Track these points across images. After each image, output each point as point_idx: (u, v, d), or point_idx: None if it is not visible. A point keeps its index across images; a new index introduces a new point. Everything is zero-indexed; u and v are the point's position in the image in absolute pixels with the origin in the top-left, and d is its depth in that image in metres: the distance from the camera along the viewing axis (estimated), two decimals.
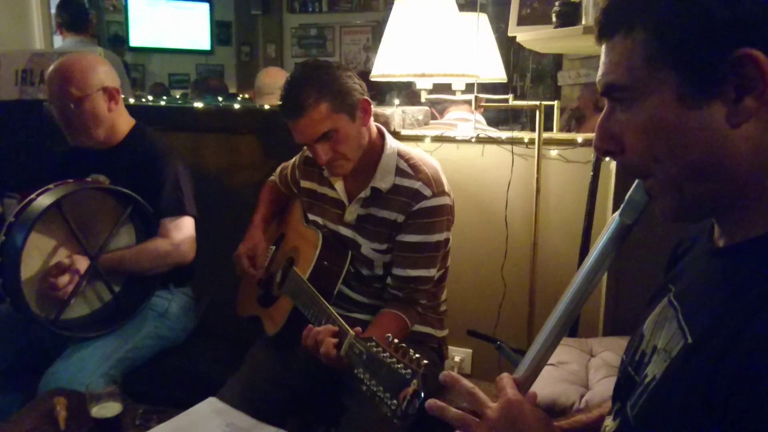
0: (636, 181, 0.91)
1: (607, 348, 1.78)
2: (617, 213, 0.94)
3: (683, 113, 0.72)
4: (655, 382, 0.79)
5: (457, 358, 2.47)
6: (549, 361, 1.77)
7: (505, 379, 0.96)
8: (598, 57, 0.81)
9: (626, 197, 0.93)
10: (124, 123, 2.14)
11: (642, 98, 0.75)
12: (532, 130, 2.28)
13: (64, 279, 1.85)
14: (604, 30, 0.78)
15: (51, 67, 2.05)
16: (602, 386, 1.61)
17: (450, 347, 2.15)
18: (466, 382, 0.96)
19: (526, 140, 2.28)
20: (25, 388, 1.94)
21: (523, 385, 0.97)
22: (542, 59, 6.11)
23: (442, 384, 0.98)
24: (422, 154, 1.86)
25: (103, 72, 2.05)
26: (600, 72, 0.80)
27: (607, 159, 1.86)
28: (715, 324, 0.72)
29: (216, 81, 4.38)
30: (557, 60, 5.90)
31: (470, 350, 2.47)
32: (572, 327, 2.13)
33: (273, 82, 2.95)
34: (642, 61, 0.74)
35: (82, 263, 1.89)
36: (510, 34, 2.30)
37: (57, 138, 2.34)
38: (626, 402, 0.87)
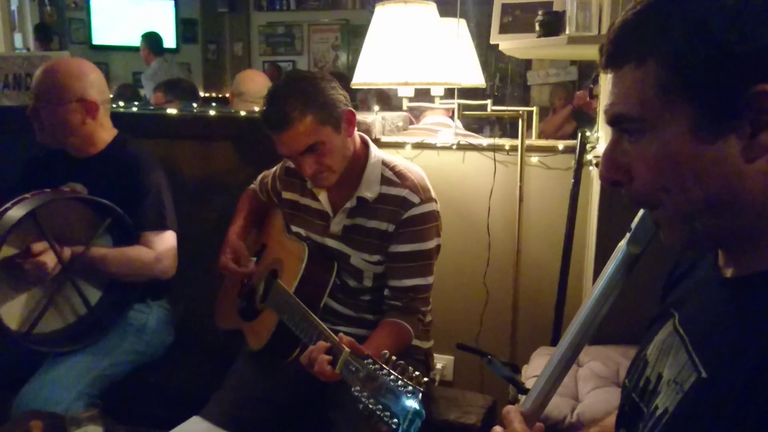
0: (641, 211, 0.90)
1: (593, 357, 1.78)
2: (624, 242, 0.93)
3: (697, 147, 0.71)
4: (668, 416, 0.78)
5: (439, 365, 2.46)
6: (534, 373, 1.78)
7: (512, 412, 0.94)
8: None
9: (632, 226, 0.91)
10: (106, 133, 2.09)
11: (653, 130, 0.73)
12: (504, 133, 2.29)
13: (29, 265, 1.77)
14: (613, 59, 0.76)
15: (44, 65, 2.05)
16: (592, 398, 1.61)
17: None
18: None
19: (507, 147, 2.27)
20: None
21: (530, 417, 0.95)
22: (510, 58, 6.14)
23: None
24: (407, 162, 1.85)
25: (88, 83, 2.00)
26: (608, 102, 0.78)
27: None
28: (732, 359, 0.71)
29: (188, 82, 4.27)
30: (526, 60, 5.93)
31: (452, 357, 2.47)
32: (555, 336, 2.14)
33: (258, 90, 2.89)
34: (654, 93, 0.72)
35: (51, 257, 1.81)
36: (492, 41, 2.29)
37: (22, 145, 2.27)
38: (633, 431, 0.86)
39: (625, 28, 0.75)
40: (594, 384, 1.67)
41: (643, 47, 0.73)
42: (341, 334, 1.46)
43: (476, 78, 2.71)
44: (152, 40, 5.69)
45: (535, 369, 1.83)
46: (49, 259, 1.80)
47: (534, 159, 2.28)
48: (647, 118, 0.73)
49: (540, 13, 2.00)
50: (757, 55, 0.67)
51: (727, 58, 0.68)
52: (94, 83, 2.02)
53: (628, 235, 0.92)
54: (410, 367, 1.24)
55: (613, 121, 0.78)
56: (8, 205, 1.80)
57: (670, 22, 0.71)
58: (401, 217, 1.72)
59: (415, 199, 1.72)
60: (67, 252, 1.85)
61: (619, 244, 0.93)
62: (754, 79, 0.67)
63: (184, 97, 3.49)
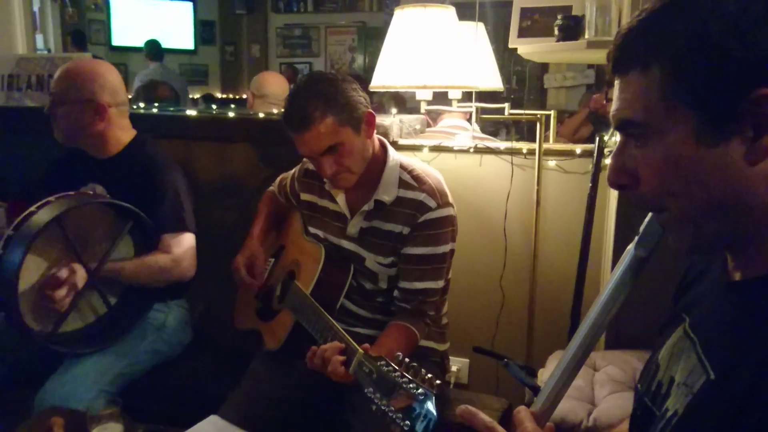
0: (649, 214, 0.90)
1: (610, 362, 1.78)
2: (632, 245, 0.94)
3: (700, 151, 0.72)
4: (678, 418, 0.79)
5: (454, 368, 2.46)
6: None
7: (523, 412, 0.95)
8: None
9: (641, 230, 0.92)
10: (124, 134, 2.10)
11: (658, 135, 0.75)
12: (521, 136, 2.28)
13: (61, 292, 1.80)
14: (619, 66, 0.78)
15: (63, 65, 2.10)
16: (609, 403, 1.61)
17: None
18: (484, 416, 0.94)
19: (524, 151, 2.27)
20: (19, 405, 1.90)
21: (541, 418, 0.95)
22: (527, 62, 6.12)
23: (460, 418, 0.96)
24: (424, 165, 1.85)
25: (98, 85, 2.01)
26: (614, 107, 0.80)
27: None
28: (738, 361, 0.72)
29: (165, 89, 4.29)
30: (543, 63, 5.91)
31: (467, 360, 2.47)
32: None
33: (281, 92, 2.92)
34: (658, 99, 0.73)
35: (80, 275, 1.84)
36: (511, 45, 2.30)
37: (46, 145, 2.30)
38: None
39: (630, 35, 0.77)
40: (611, 389, 1.67)
41: (647, 54, 0.74)
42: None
43: (494, 81, 2.71)
44: (150, 46, 6.28)
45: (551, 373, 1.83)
46: (79, 278, 1.83)
47: (551, 163, 2.27)
48: (651, 124, 0.75)
49: (559, 17, 2.00)
50: (757, 60, 0.68)
51: (728, 64, 0.69)
52: (105, 85, 2.02)
53: (636, 238, 0.93)
54: (423, 370, 1.25)
55: (619, 126, 0.80)
56: (33, 209, 1.81)
57: (672, 29, 0.72)
58: (417, 221, 1.72)
59: (432, 203, 1.72)
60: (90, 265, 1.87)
61: (628, 248, 0.94)
62: (755, 83, 0.68)
63: (151, 101, 3.59)
